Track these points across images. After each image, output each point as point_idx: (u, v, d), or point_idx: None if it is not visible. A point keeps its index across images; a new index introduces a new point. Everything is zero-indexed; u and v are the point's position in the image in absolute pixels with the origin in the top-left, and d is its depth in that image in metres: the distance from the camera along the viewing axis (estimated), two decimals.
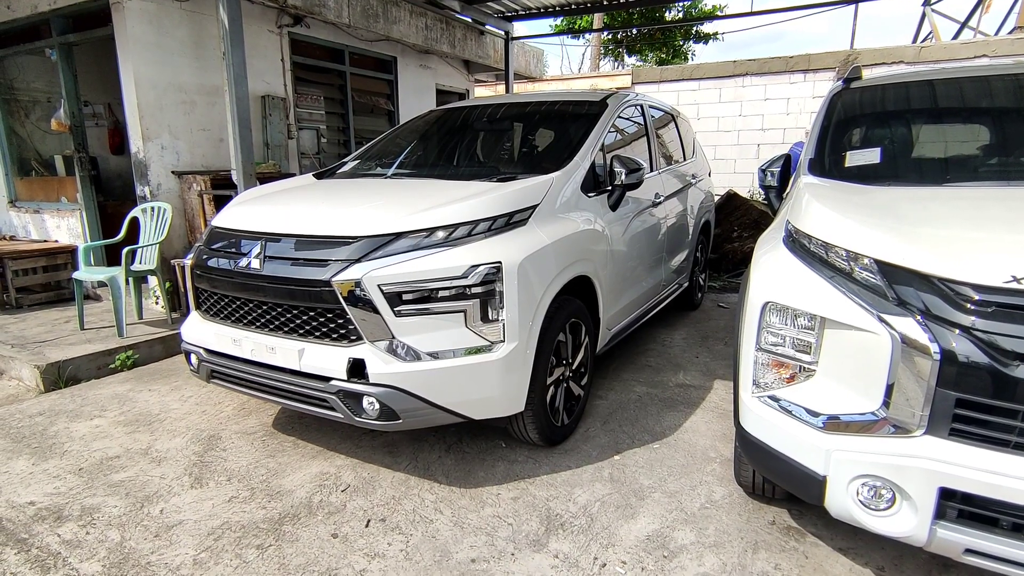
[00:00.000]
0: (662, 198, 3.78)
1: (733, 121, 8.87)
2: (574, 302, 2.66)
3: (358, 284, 2.04)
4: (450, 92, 8.38)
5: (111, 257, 5.29)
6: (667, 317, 4.79)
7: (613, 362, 3.73)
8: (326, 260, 2.12)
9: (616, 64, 20.31)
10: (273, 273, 2.19)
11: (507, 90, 8.61)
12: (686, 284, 4.76)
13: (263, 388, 2.31)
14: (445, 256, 2.12)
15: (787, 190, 2.68)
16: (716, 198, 6.10)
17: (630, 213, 3.28)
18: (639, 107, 3.85)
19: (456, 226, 2.20)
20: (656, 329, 4.49)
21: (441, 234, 2.18)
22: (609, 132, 3.21)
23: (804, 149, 2.66)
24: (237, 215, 2.52)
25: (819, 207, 1.86)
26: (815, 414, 1.66)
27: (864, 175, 2.29)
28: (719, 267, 6.57)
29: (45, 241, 5.75)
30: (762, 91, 8.62)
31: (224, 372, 2.41)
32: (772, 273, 1.83)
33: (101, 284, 5.18)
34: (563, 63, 38.76)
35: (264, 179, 4.65)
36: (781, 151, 8.53)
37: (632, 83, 9.58)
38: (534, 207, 2.43)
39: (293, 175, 5.18)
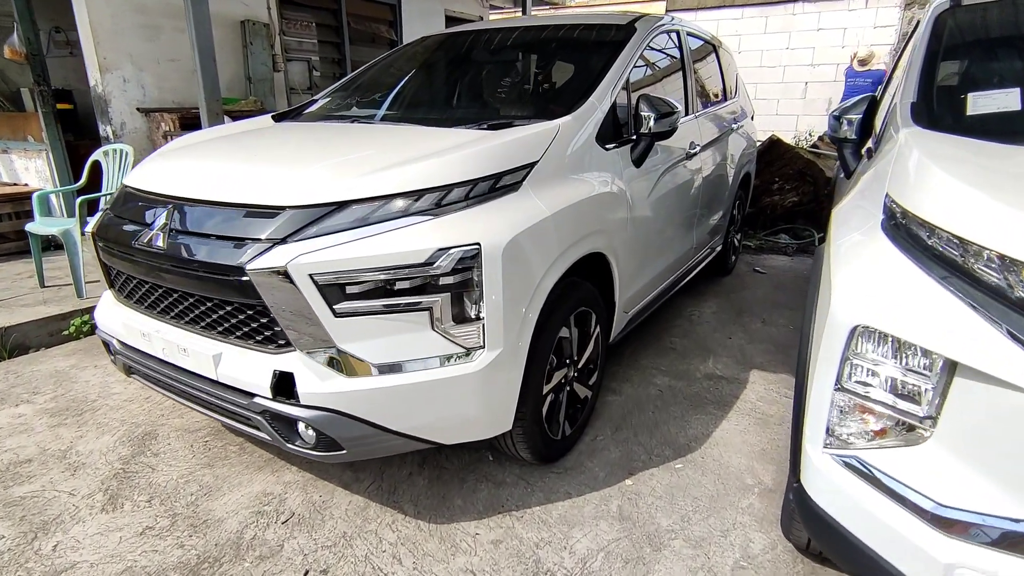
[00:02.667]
0: (698, 148, 3.11)
1: (779, 55, 7.88)
2: (582, 286, 2.09)
3: (282, 273, 1.50)
4: (461, 19, 7.53)
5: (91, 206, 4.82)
6: (696, 285, 4.19)
7: (630, 343, 3.19)
8: (241, 239, 1.57)
9: None
10: (177, 253, 1.66)
11: (524, 14, 7.71)
12: (720, 247, 4.13)
13: (182, 395, 1.83)
14: (404, 235, 1.56)
15: (868, 143, 2.03)
16: (757, 145, 5.34)
17: (659, 168, 2.64)
18: (675, 34, 3.13)
19: (421, 193, 1.62)
20: (683, 299, 3.91)
21: (400, 203, 1.61)
22: (636, 66, 2.54)
23: (898, 86, 1.99)
24: (152, 171, 1.97)
25: (947, 179, 1.23)
26: (926, 498, 1.11)
27: (992, 128, 1.64)
28: (755, 223, 5.87)
29: (15, 184, 5.29)
30: (815, 19, 7.58)
31: (141, 370, 1.93)
32: (867, 279, 1.24)
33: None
34: None
35: (242, 118, 4.06)
36: (832, 91, 7.58)
37: (667, 9, 8.55)
38: (531, 166, 1.83)
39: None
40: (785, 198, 5.84)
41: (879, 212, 1.39)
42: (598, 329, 2.28)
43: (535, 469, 2.13)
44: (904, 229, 1.27)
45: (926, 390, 1.14)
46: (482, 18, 7.87)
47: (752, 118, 4.69)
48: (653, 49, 2.82)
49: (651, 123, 2.31)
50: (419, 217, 1.59)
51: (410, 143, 1.92)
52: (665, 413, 2.52)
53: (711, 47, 3.88)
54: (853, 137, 2.02)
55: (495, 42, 3.03)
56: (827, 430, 1.27)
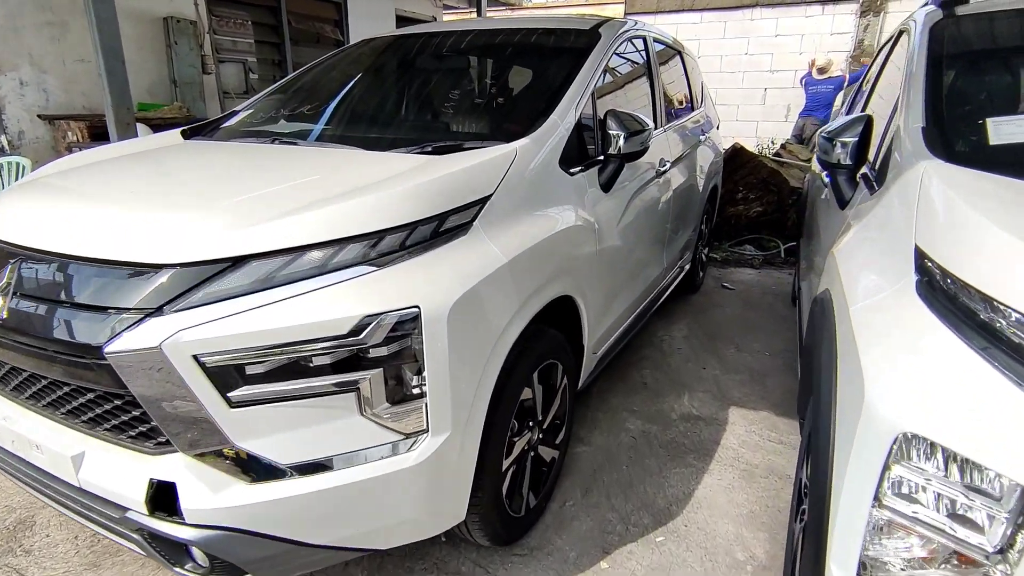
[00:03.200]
0: (668, 164, 2.86)
1: (738, 60, 7.80)
2: (546, 335, 1.79)
3: (156, 355, 1.14)
4: (414, 20, 7.15)
5: None
6: (665, 304, 3.96)
7: (598, 382, 2.91)
8: (103, 308, 1.20)
9: None
10: (21, 325, 1.27)
11: (479, 15, 7.39)
12: (688, 265, 3.91)
13: (44, 495, 1.44)
14: (322, 298, 1.22)
15: (863, 169, 1.80)
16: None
17: (628, 190, 2.37)
18: (640, 40, 2.87)
19: (344, 242, 1.28)
20: (652, 322, 3.67)
21: (317, 256, 1.26)
22: (602, 76, 2.26)
23: (897, 107, 1.76)
24: (3, 209, 1.56)
25: (1007, 241, 0.98)
26: None
27: (1021, 159, 1.42)
28: (720, 234, 5.72)
29: None
30: (773, 25, 7.53)
31: None
32: (911, 368, 0.97)
33: None
34: None
35: (164, 126, 3.61)
36: (791, 97, 7.53)
37: (625, 13, 8.37)
38: (483, 201, 1.51)
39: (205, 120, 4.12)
40: (750, 208, 5.70)
41: (908, 268, 1.13)
42: (565, 380, 1.99)
43: (495, 552, 1.82)
44: (947, 296, 1.02)
45: (995, 517, 0.88)
46: (435, 19, 7.52)
47: (718, 127, 4.50)
48: (619, 56, 2.55)
49: (621, 142, 2.03)
50: (341, 274, 1.26)
51: (335, 174, 1.57)
52: (640, 467, 2.25)
53: (675, 52, 3.65)
54: (848, 163, 1.79)
55: (445, 47, 2.70)
56: (861, 562, 1.00)
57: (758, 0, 7.46)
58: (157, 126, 3.60)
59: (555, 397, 1.94)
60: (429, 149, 1.72)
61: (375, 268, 1.28)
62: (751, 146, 6.89)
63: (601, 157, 2.11)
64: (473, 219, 1.47)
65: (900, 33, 2.49)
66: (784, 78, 7.54)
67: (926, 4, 2.20)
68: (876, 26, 6.94)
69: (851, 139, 1.77)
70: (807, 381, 1.55)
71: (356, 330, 1.21)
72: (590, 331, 2.13)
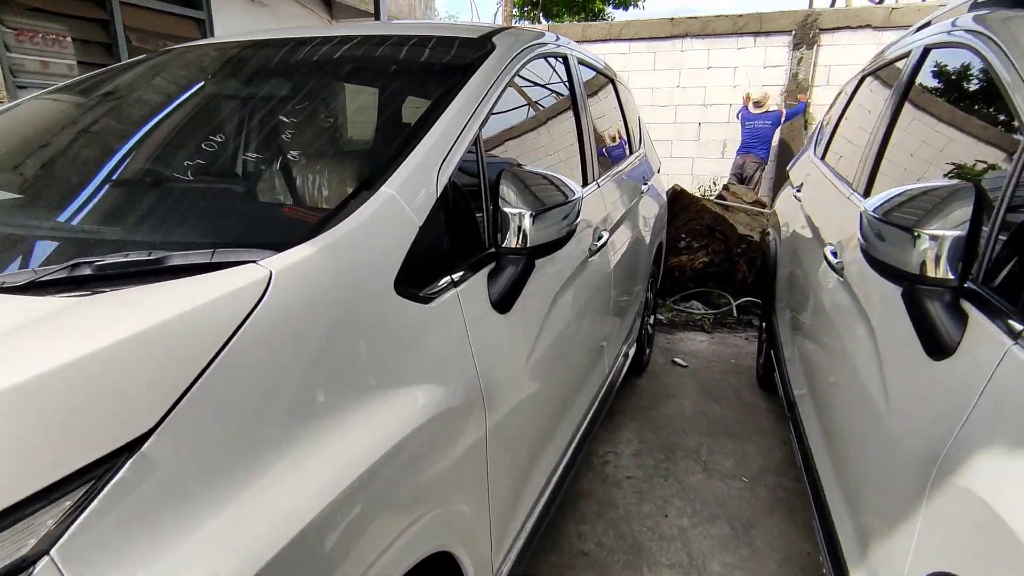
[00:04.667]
0: (605, 235, 1.99)
1: (670, 93, 7.27)
2: None
3: None
4: None
5: None
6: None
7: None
8: None
9: (532, 24, 18.31)
10: None
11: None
12: (634, 348, 3.06)
13: None
14: None
15: (969, 283, 0.97)
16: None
17: (545, 297, 1.47)
18: (560, 61, 2.01)
19: None
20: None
21: None
22: (490, 112, 1.35)
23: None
24: None
25: None
26: None
27: None
28: (662, 289, 4.98)
29: None
30: (704, 57, 7.05)
31: None
32: None
33: None
34: (472, 19, 36.08)
35: None
36: (726, 132, 7.05)
37: None
38: (109, 467, 0.55)
39: None
40: (695, 258, 4.99)
41: None
42: None
43: None
44: None
45: None
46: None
47: (659, 170, 3.75)
48: (526, 79, 1.67)
49: (527, 226, 1.13)
50: None
51: None
52: None
53: (608, 81, 2.85)
54: (950, 277, 0.94)
55: (273, 64, 1.73)
56: None
57: (688, 31, 6.99)
58: None
59: None
60: (90, 288, 0.73)
61: None
62: (691, 187, 6.27)
63: (492, 252, 1.19)
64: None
65: (888, 62, 1.77)
66: (719, 112, 7.06)
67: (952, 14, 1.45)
68: (810, 59, 6.57)
69: (952, 232, 0.93)
70: None
71: None
72: (492, 559, 1.18)
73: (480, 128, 1.24)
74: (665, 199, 3.62)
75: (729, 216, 5.05)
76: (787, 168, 3.66)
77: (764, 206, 5.74)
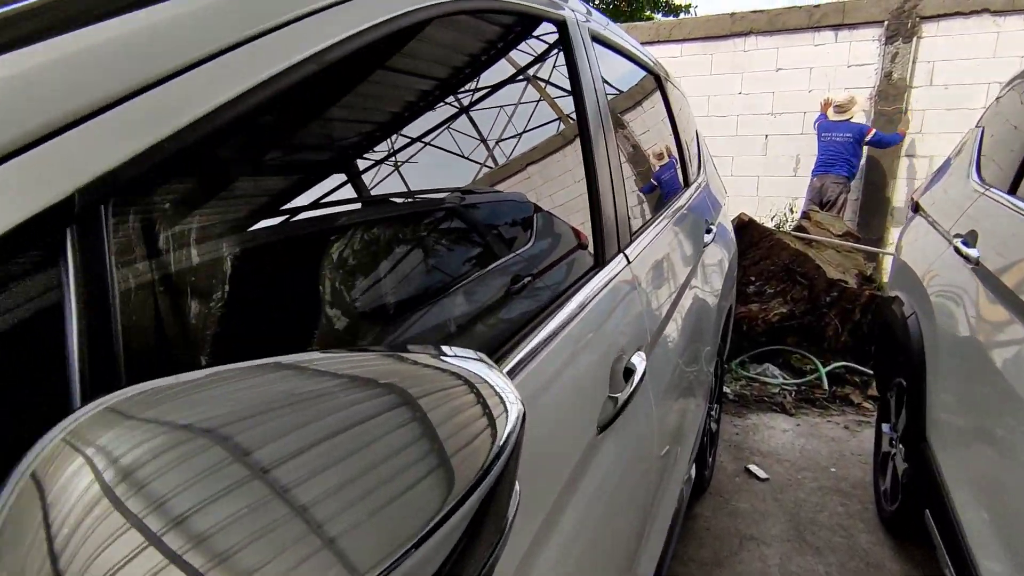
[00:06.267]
0: (641, 362, 1.01)
1: (730, 101, 6.20)
2: None
3: None
4: None
5: None
6: None
7: None
8: None
9: None
10: None
11: None
12: (694, 469, 2.04)
13: None
14: None
15: None
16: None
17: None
18: (550, 28, 1.07)
19: None
20: None
21: None
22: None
23: None
24: None
25: None
26: None
27: None
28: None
29: None
30: (772, 57, 5.95)
31: None
32: None
33: None
34: None
35: None
36: (799, 145, 5.90)
37: None
38: None
39: None
40: (769, 308, 3.90)
41: None
42: None
43: None
44: None
45: None
46: None
47: (726, 204, 2.73)
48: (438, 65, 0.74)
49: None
50: None
51: None
52: None
53: (652, 79, 1.88)
54: None
55: None
56: None
57: (752, 27, 5.91)
58: None
59: None
60: None
61: None
62: (756, 212, 5.17)
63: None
64: None
65: None
66: (790, 122, 5.92)
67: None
68: (907, 55, 5.37)
69: None
70: None
71: None
72: None
73: None
74: (735, 243, 2.59)
75: (813, 253, 3.94)
76: (914, 195, 2.57)
77: (857, 239, 4.58)
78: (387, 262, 0.62)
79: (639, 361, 1.00)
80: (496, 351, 0.69)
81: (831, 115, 5.45)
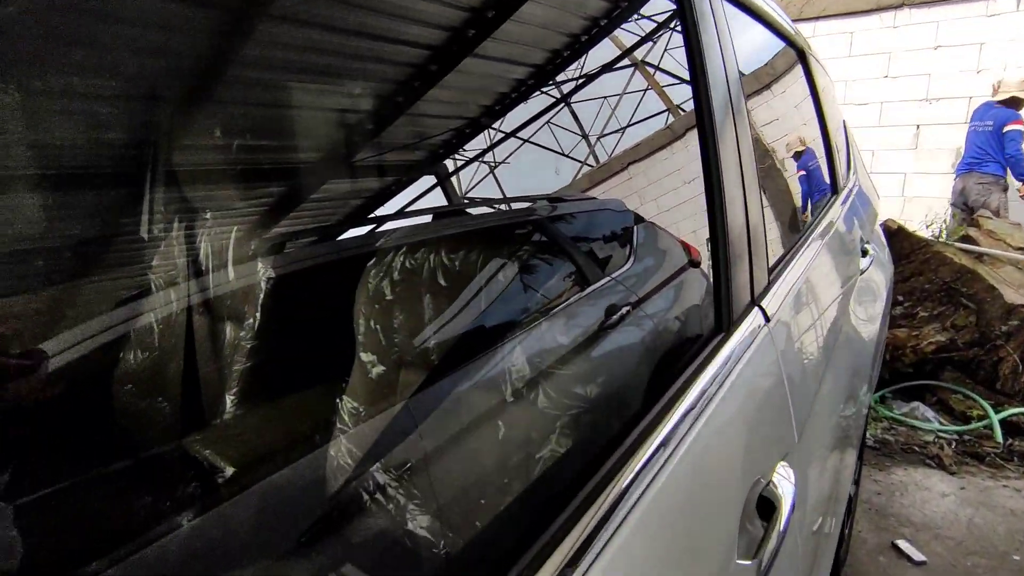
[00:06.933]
0: (788, 478, 0.65)
1: (873, 87, 5.36)
2: None
3: None
4: None
5: None
6: None
7: None
8: None
9: None
10: None
11: None
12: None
13: None
14: None
15: None
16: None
17: None
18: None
19: None
20: None
21: None
22: None
23: None
24: None
25: None
26: None
27: None
28: None
29: None
30: (931, 32, 5.05)
31: None
32: None
33: None
34: None
35: None
36: (960, 136, 4.95)
37: None
38: None
39: None
40: (921, 335, 3.22)
41: None
42: None
43: None
44: None
45: None
46: None
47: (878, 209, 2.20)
48: None
49: None
50: None
51: None
52: None
53: (793, 51, 1.46)
54: None
55: None
56: None
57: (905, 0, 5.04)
58: None
59: None
60: None
61: None
62: (900, 215, 4.38)
63: None
64: None
65: None
66: (949, 109, 4.98)
67: None
68: None
69: None
70: None
71: None
72: None
73: None
74: (891, 263, 2.06)
75: (984, 271, 3.20)
76: None
77: None
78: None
79: (784, 483, 0.64)
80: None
81: (995, 97, 4.47)
